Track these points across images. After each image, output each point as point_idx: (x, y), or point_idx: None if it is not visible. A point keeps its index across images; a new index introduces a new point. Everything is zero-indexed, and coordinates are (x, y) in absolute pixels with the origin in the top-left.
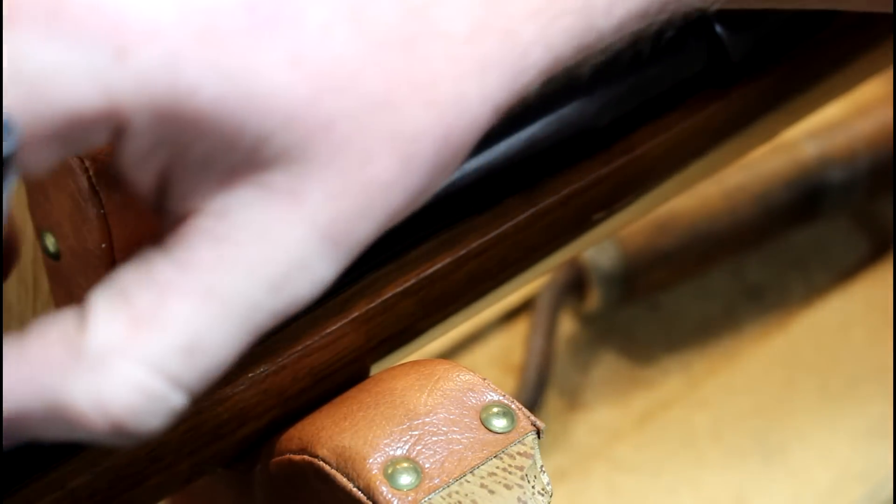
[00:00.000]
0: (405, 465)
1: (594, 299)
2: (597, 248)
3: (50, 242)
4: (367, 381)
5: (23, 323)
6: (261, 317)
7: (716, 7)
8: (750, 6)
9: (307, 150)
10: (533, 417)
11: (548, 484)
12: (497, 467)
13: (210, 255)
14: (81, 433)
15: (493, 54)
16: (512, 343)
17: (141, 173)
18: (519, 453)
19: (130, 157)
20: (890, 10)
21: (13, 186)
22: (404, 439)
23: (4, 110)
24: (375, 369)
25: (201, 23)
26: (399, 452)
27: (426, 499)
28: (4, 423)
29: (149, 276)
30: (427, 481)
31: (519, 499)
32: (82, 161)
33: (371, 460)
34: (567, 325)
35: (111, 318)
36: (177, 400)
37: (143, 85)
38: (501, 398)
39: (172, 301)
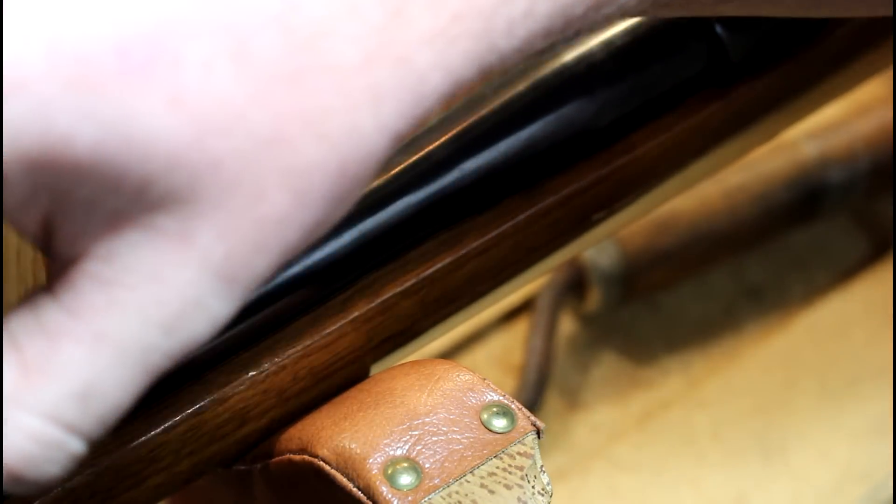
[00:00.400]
0: (405, 465)
1: (594, 299)
2: (597, 248)
3: None
4: (367, 381)
5: None
6: (156, 358)
7: (624, 17)
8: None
9: (194, 192)
10: (533, 417)
11: (548, 484)
12: (497, 467)
13: (99, 298)
14: None
15: (387, 83)
16: (512, 343)
17: (23, 218)
18: (519, 453)
19: (9, 204)
20: (888, 13)
21: None
22: (404, 439)
23: None
24: (375, 369)
25: (72, 71)
26: (399, 452)
27: (426, 499)
28: None
29: (38, 322)
30: (427, 481)
31: (519, 499)
32: None
33: (371, 460)
34: (567, 325)
35: (5, 365)
36: (74, 446)
37: (12, 136)
38: (501, 398)
39: (63, 347)
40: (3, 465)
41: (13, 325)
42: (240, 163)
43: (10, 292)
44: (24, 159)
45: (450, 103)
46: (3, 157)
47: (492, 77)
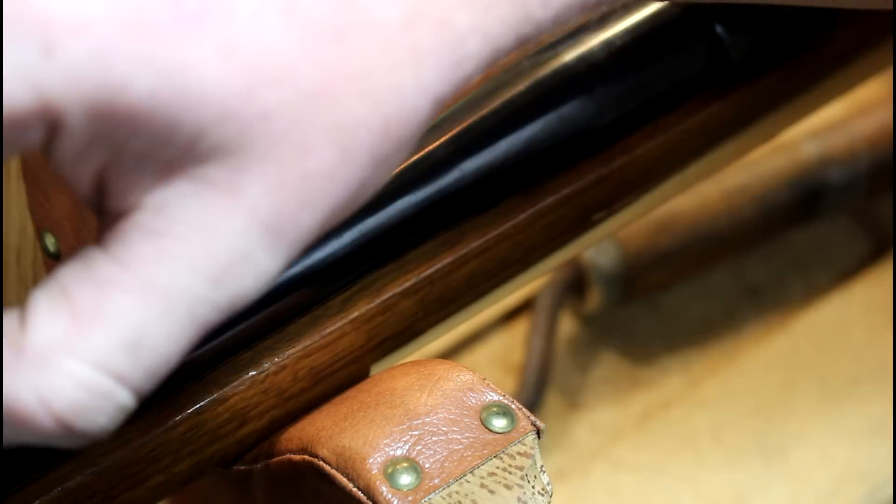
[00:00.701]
0: (405, 465)
1: (594, 299)
2: (597, 248)
3: (50, 242)
4: (367, 381)
5: None
6: (204, 310)
7: None
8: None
9: (244, 143)
10: (533, 417)
11: (548, 484)
12: (497, 467)
13: (149, 249)
14: (30, 434)
15: (429, 43)
16: (512, 343)
17: (78, 172)
18: (519, 453)
19: (66, 155)
20: (888, 7)
21: None
22: (404, 439)
23: None
24: (375, 369)
25: (130, 17)
26: (399, 452)
27: (426, 499)
28: None
29: (88, 272)
30: (427, 481)
31: (519, 499)
32: None
33: (371, 460)
34: (567, 325)
35: (52, 315)
36: (124, 397)
37: (73, 81)
38: (501, 398)
39: (113, 297)
40: (54, 414)
41: (63, 275)
42: (288, 115)
43: (10, 292)
44: (84, 105)
45: (448, 103)
46: (66, 102)
47: (495, 74)
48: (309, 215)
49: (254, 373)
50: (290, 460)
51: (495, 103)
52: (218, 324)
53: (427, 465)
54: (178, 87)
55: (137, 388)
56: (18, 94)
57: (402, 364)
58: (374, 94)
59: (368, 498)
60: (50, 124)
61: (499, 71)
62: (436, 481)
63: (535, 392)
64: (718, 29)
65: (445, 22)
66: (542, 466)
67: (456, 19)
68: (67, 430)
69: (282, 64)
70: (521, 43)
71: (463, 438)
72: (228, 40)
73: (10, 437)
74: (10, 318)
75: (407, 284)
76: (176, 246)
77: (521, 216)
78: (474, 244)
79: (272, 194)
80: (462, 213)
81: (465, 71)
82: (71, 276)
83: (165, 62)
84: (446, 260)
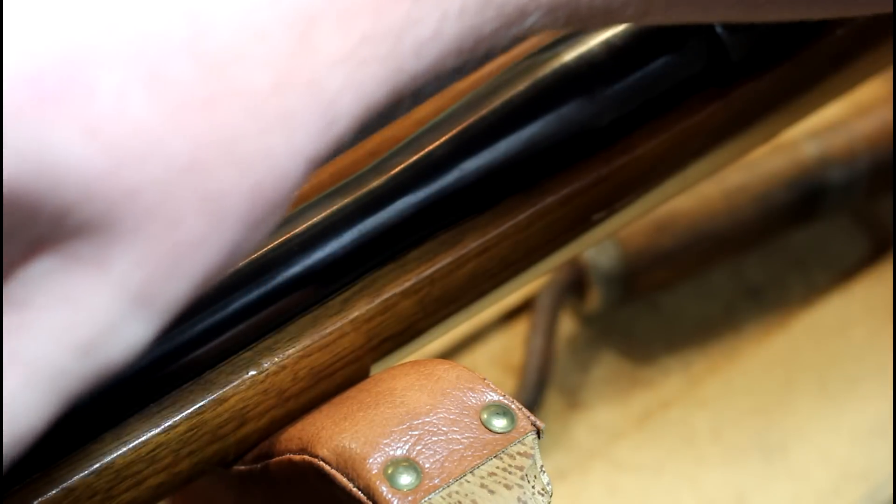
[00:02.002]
0: (405, 465)
1: (594, 299)
2: (597, 248)
3: None
4: (367, 381)
5: None
6: (69, 382)
7: (532, 33)
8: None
9: (110, 220)
10: (533, 417)
11: (548, 484)
12: (497, 467)
13: (13, 319)
14: None
15: (298, 107)
16: (512, 343)
17: None
18: (519, 453)
19: None
20: (889, 10)
21: None
22: (404, 439)
23: None
24: (375, 369)
25: None
26: (399, 452)
27: (426, 499)
28: None
29: None
30: (427, 481)
31: (519, 499)
32: None
33: (371, 460)
34: (567, 325)
35: None
36: (42, 418)
37: None
38: (501, 398)
39: (32, 329)
40: None
41: None
42: (155, 190)
43: None
44: None
45: (448, 103)
46: None
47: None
48: (179, 283)
49: (254, 373)
50: (290, 460)
51: (495, 103)
52: (86, 395)
53: (427, 465)
54: (40, 169)
55: (2, 457)
56: None
57: (402, 364)
58: (244, 161)
59: (368, 498)
60: None
61: (499, 71)
62: (436, 481)
63: (535, 392)
64: (718, 29)
65: (315, 83)
66: (542, 466)
67: (325, 80)
68: None
69: (147, 139)
70: (397, 96)
71: (463, 438)
72: (91, 118)
73: None
74: None
75: (407, 284)
76: (39, 317)
77: (521, 216)
78: (474, 244)
79: (140, 267)
80: (462, 213)
81: (337, 129)
82: None
83: (27, 143)
84: (446, 260)
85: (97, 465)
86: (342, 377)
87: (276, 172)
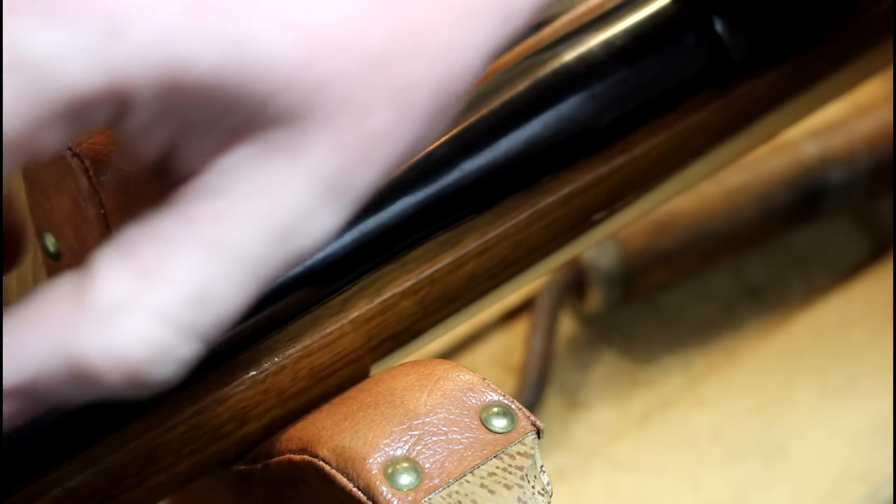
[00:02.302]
0: (405, 465)
1: (594, 299)
2: (597, 248)
3: (50, 242)
4: (367, 381)
5: None
6: (267, 267)
7: None
8: None
9: (306, 110)
10: (533, 417)
11: (548, 484)
12: (497, 467)
13: (213, 208)
14: (98, 388)
15: (481, 1)
16: (512, 343)
17: (145, 144)
18: (519, 453)
19: (135, 130)
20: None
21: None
22: (404, 439)
23: None
24: (375, 369)
25: None
26: (399, 452)
27: (426, 499)
28: (25, 392)
29: (154, 231)
30: (427, 481)
31: (519, 499)
32: (82, 161)
33: (371, 460)
34: (567, 325)
35: (118, 272)
36: (187, 350)
37: (141, 60)
38: (501, 398)
39: (178, 253)
40: (122, 367)
41: (128, 235)
42: (348, 81)
43: (10, 292)
44: (153, 83)
45: None
46: (136, 81)
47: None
48: (368, 173)
49: (254, 373)
50: (290, 460)
51: (495, 103)
52: (281, 280)
53: (427, 465)
54: (241, 61)
55: (201, 340)
56: (87, 77)
57: (402, 364)
58: (431, 53)
59: (368, 498)
60: (119, 103)
61: (499, 71)
62: (436, 481)
63: (535, 392)
64: (718, 29)
65: None
66: (542, 466)
67: None
68: (134, 383)
69: (340, 30)
70: None
71: (463, 438)
72: (287, 12)
73: (76, 393)
74: (71, 279)
75: (407, 284)
76: (239, 205)
77: (521, 216)
78: (474, 244)
79: (333, 156)
80: (462, 213)
81: (515, 24)
82: (136, 236)
83: (228, 37)
84: (446, 260)
85: (97, 466)
86: (342, 377)
87: (459, 65)
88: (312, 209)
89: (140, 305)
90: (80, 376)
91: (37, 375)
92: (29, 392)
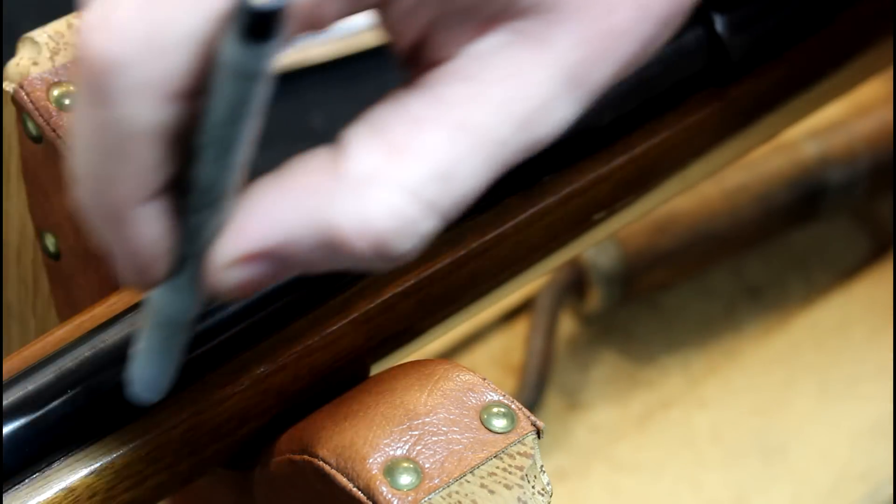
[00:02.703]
0: (405, 465)
1: (594, 299)
2: (597, 248)
3: (50, 242)
4: (367, 381)
5: (23, 323)
6: (508, 152)
7: None
8: None
9: (557, 1)
10: (533, 417)
11: (548, 484)
12: (497, 467)
13: (463, 91)
14: (343, 257)
15: None
16: (512, 343)
17: (404, 27)
18: (519, 453)
19: (399, 14)
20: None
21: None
22: (404, 439)
23: None
24: (375, 369)
25: None
26: (399, 452)
27: (426, 499)
28: (276, 254)
29: (404, 111)
30: (427, 481)
31: (519, 499)
32: None
33: (371, 460)
34: (567, 325)
35: (369, 148)
36: (430, 225)
37: None
38: (501, 398)
39: (426, 133)
40: (371, 237)
41: (378, 113)
42: None
43: (10, 292)
44: None
45: None
46: None
47: None
48: (605, 69)
49: (253, 373)
50: (290, 460)
51: None
52: (514, 165)
53: (427, 465)
54: None
55: (443, 217)
56: None
57: (402, 364)
58: None
59: (368, 498)
60: None
61: None
62: (436, 481)
63: (535, 392)
64: (718, 29)
65: None
66: (542, 466)
67: None
68: (379, 253)
69: None
70: None
71: (463, 438)
72: None
73: (322, 261)
74: (323, 153)
75: (407, 284)
76: (488, 90)
77: (521, 216)
78: (474, 244)
79: (577, 48)
80: (462, 213)
81: None
82: (386, 114)
83: None
84: (446, 260)
85: (97, 465)
86: (342, 377)
87: None
88: (554, 99)
89: (389, 179)
90: (329, 243)
91: (287, 240)
92: (278, 256)
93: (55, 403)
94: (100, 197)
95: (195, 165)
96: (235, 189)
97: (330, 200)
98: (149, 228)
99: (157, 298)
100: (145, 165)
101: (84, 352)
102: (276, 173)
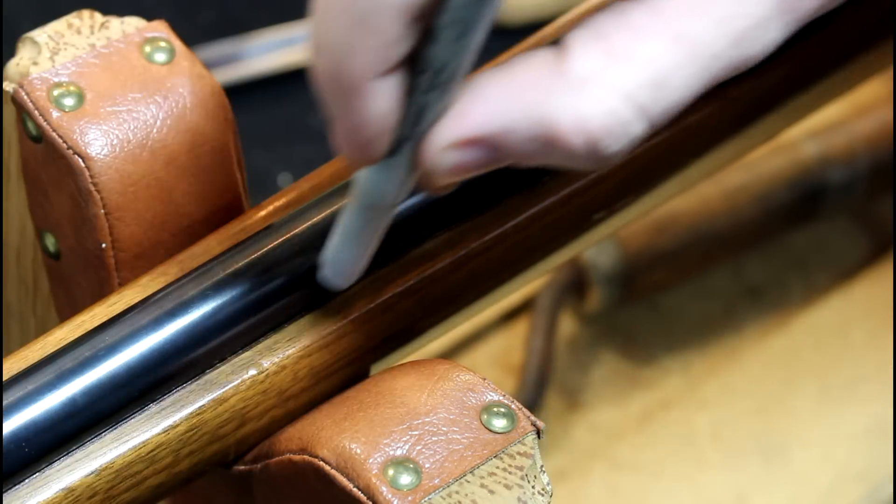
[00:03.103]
0: (405, 465)
1: (594, 299)
2: (597, 248)
3: (50, 242)
4: (367, 381)
5: (23, 323)
6: (719, 66)
7: None
8: None
9: None
10: (533, 417)
11: (548, 484)
12: (497, 467)
13: (683, 5)
14: (556, 152)
15: None
16: (512, 343)
17: None
18: (519, 453)
19: None
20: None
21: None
22: (404, 439)
23: None
24: (375, 369)
25: None
26: (399, 452)
27: (426, 499)
28: (492, 141)
29: (624, 19)
30: (427, 481)
31: (519, 499)
32: (82, 160)
33: (371, 460)
34: (567, 325)
35: (590, 50)
36: (640, 129)
37: None
38: (501, 398)
39: (645, 41)
40: (586, 134)
41: (599, 20)
42: None
43: (10, 292)
44: None
45: None
46: None
47: None
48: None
49: (254, 373)
50: (290, 460)
51: None
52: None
53: (427, 465)
54: None
55: (652, 123)
56: None
57: (402, 364)
58: None
59: (368, 498)
60: None
61: None
62: (436, 481)
63: (535, 392)
64: None
65: None
66: (542, 466)
67: None
68: (591, 151)
69: None
70: None
71: (463, 438)
72: None
73: (534, 153)
74: (545, 52)
75: (407, 284)
76: (708, 5)
77: (521, 216)
78: (474, 244)
79: None
80: (462, 213)
81: None
82: (607, 21)
83: None
84: (446, 260)
85: (97, 465)
86: (342, 377)
87: None
88: (767, 20)
89: (607, 82)
90: (544, 136)
91: (506, 128)
92: (494, 143)
93: (55, 403)
94: (338, 67)
95: (432, 45)
96: (465, 73)
97: (550, 96)
98: (379, 103)
99: (367, 179)
100: (388, 39)
101: (84, 352)
102: (497, 66)
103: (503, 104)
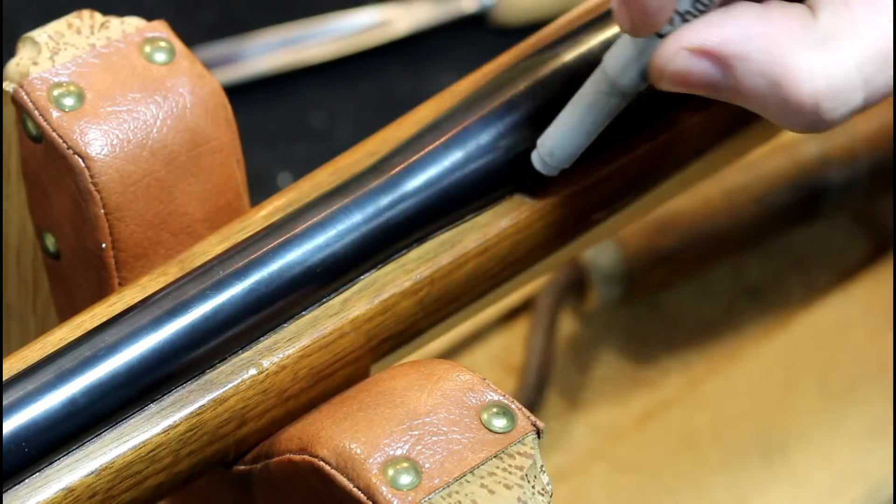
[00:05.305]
0: (405, 465)
1: (594, 299)
2: (597, 248)
3: (50, 242)
4: (367, 381)
5: (23, 323)
6: (883, 76)
7: None
8: None
9: None
10: (533, 417)
11: (548, 484)
12: (497, 467)
13: (861, 13)
14: (778, 98)
15: None
16: (512, 343)
17: None
18: (519, 453)
19: None
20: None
21: None
22: (404, 439)
23: None
24: (375, 369)
25: None
26: (399, 452)
27: (426, 499)
28: (726, 61)
29: (844, 2)
30: (427, 481)
31: (519, 499)
32: (82, 160)
33: (371, 460)
34: (567, 325)
35: (837, 15)
36: (859, 100)
37: None
38: (501, 398)
39: (884, 17)
40: (814, 90)
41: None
42: None
43: (10, 292)
44: None
45: (448, 103)
46: None
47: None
48: None
49: (254, 372)
50: (289, 460)
51: (495, 103)
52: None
53: (427, 465)
54: None
55: (867, 99)
56: None
57: (402, 364)
58: None
59: (368, 498)
60: None
61: (499, 71)
62: (436, 481)
63: (535, 392)
64: None
65: None
66: (542, 466)
67: None
68: (812, 109)
69: None
70: None
71: (463, 438)
72: None
73: (751, 90)
74: (799, 5)
75: (407, 284)
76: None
77: (521, 216)
78: (474, 244)
79: None
80: (462, 213)
81: None
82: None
83: None
84: (446, 260)
85: (97, 465)
86: (342, 377)
87: None
88: None
89: (846, 47)
90: (776, 76)
91: (742, 54)
92: (727, 63)
93: (55, 403)
94: None
95: None
96: None
97: (795, 43)
98: None
99: (616, 59)
100: None
101: (84, 352)
102: (755, 3)
103: (751, 31)
